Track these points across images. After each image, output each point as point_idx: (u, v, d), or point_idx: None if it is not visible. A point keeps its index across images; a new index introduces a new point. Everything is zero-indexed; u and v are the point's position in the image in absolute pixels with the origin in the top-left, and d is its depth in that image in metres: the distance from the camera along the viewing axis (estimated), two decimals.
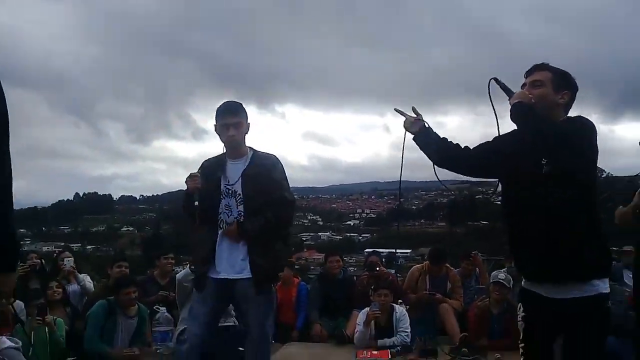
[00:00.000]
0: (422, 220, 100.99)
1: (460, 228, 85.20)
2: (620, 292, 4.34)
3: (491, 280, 5.24)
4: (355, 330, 5.28)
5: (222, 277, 3.30)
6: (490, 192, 2.50)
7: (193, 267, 3.74)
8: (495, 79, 2.47)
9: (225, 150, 3.40)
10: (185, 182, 3.34)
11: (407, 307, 5.95)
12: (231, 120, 3.28)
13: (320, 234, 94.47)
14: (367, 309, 5.32)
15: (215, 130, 3.36)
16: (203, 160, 3.52)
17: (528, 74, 2.48)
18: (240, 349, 4.88)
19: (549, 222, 2.27)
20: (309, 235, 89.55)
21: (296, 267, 25.10)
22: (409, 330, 5.26)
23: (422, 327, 5.55)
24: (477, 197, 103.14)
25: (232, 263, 3.29)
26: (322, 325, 5.82)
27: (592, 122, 2.34)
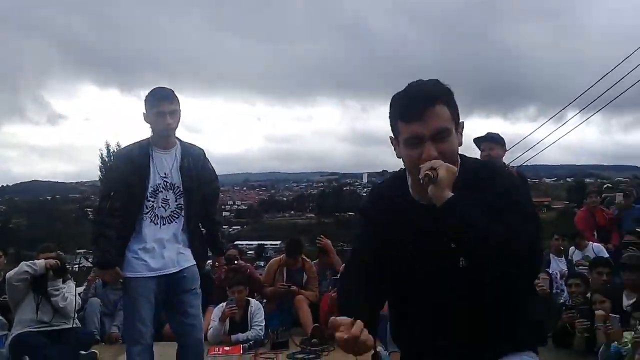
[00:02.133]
0: (292, 212, 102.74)
1: (329, 219, 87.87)
2: None
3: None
4: (210, 327, 5.18)
5: (160, 273, 3.12)
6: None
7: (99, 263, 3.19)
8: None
9: (152, 139, 3.18)
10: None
11: (264, 300, 6.00)
12: (168, 107, 3.08)
13: None
14: (222, 304, 5.25)
15: (145, 118, 3.16)
16: (118, 150, 3.47)
17: (418, 116, 1.58)
18: (82, 352, 4.60)
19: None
20: None
21: None
22: (263, 324, 5.28)
23: (278, 320, 5.62)
24: (344, 188, 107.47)
25: (171, 256, 3.15)
26: None
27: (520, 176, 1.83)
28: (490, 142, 4.48)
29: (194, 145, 3.34)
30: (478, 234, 1.49)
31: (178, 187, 3.15)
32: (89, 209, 54.60)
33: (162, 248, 3.12)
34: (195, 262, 3.24)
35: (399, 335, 1.87)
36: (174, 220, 3.16)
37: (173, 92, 3.18)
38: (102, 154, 27.97)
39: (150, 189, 3.09)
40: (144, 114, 3.17)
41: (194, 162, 3.23)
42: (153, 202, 3.10)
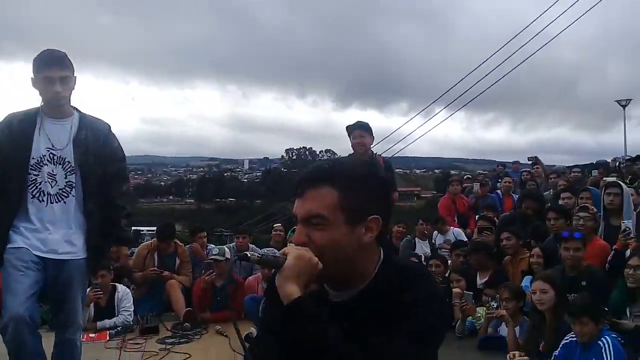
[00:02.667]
0: (171, 197, 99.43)
1: (209, 205, 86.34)
2: None
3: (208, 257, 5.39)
4: None
5: (44, 256, 2.77)
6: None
7: None
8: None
9: (42, 108, 2.83)
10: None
11: (134, 286, 5.76)
12: (57, 73, 2.74)
13: None
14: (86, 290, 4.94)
15: (33, 84, 2.80)
16: (9, 114, 2.86)
17: (301, 192, 1.31)
18: None
19: None
20: None
21: None
22: (131, 309, 5.08)
23: (148, 305, 5.43)
24: (225, 174, 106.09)
25: (56, 241, 2.78)
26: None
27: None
28: (361, 129, 4.70)
29: (99, 119, 2.99)
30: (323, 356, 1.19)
31: (69, 162, 2.80)
32: None
33: (46, 230, 2.77)
34: (85, 256, 2.85)
35: None
36: (63, 199, 2.80)
37: (66, 56, 2.81)
38: None
39: (32, 161, 2.74)
40: (32, 78, 2.81)
41: (94, 136, 2.86)
42: (36, 175, 2.75)
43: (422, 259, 5.96)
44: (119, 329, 4.80)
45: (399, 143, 15.02)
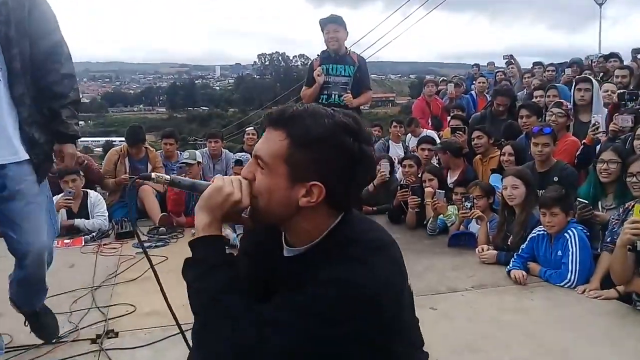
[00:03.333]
0: (142, 106, 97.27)
1: (181, 113, 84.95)
2: None
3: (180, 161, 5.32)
4: None
5: None
6: None
7: None
8: None
9: None
10: None
11: (106, 192, 5.71)
12: None
13: None
14: (57, 196, 4.87)
15: None
16: None
17: (264, 128, 1.27)
18: None
19: None
20: None
21: None
22: (106, 214, 5.06)
23: (122, 211, 5.41)
24: (196, 81, 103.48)
25: None
26: None
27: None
28: (335, 24, 4.52)
29: None
30: (195, 300, 1.19)
31: None
32: None
33: None
34: (26, 157, 2.23)
35: None
36: None
37: None
38: None
39: None
40: None
41: (14, 2, 2.18)
42: None
43: (396, 161, 6.00)
44: (94, 234, 4.80)
45: (372, 46, 14.67)
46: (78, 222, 4.89)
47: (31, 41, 2.22)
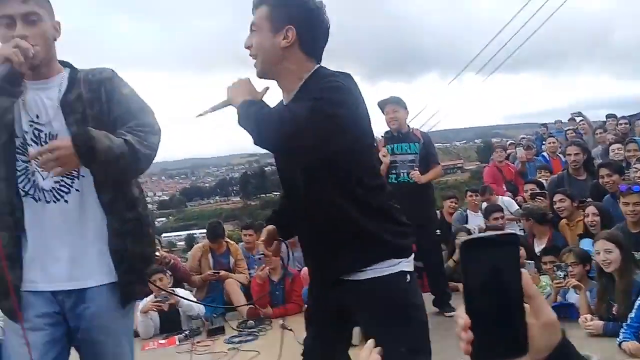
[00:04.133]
0: (217, 197, 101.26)
1: (255, 201, 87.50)
2: None
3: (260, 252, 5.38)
4: (137, 323, 5.04)
5: (51, 289, 1.85)
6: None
7: None
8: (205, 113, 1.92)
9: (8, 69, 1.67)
10: None
11: (194, 289, 5.90)
12: (18, 8, 1.73)
13: None
14: (147, 298, 5.09)
15: None
16: None
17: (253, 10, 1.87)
18: None
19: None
20: None
21: None
22: (194, 312, 5.20)
23: (211, 307, 5.55)
24: (266, 168, 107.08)
25: (67, 261, 1.84)
26: None
27: (343, 80, 1.76)
28: (393, 104, 4.65)
29: (97, 67, 1.96)
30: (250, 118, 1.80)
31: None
32: None
33: (48, 246, 1.84)
34: (114, 280, 1.89)
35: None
36: (62, 196, 1.84)
37: None
38: None
39: (17, 141, 1.83)
40: None
41: (92, 91, 1.87)
42: (26, 162, 1.83)
43: (476, 231, 5.86)
44: (186, 333, 4.92)
45: (434, 116, 14.78)
46: (182, 302, 5.03)
47: (125, 120, 1.88)
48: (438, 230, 5.17)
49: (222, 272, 5.71)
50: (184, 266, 6.09)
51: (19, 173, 1.82)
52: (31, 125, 1.83)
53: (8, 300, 1.76)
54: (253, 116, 1.74)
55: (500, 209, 5.64)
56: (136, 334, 5.00)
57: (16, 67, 1.64)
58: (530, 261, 4.47)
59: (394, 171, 4.65)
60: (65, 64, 1.93)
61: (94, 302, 1.85)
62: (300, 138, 1.67)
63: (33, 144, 1.82)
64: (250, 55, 1.86)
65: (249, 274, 5.81)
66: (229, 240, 6.14)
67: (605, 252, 3.59)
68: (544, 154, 8.40)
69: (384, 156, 4.62)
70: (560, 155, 8.00)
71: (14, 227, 1.81)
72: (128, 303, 1.95)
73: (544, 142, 9.11)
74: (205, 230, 6.22)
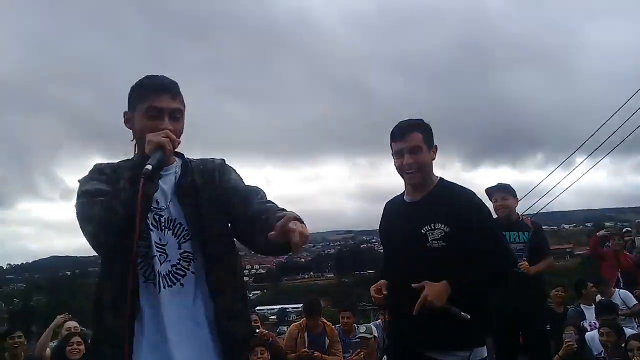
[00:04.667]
0: (312, 273, 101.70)
1: (349, 278, 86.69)
2: None
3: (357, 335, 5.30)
4: None
5: None
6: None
7: None
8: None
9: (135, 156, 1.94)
10: (149, 137, 1.80)
11: None
12: (168, 104, 1.88)
13: None
14: None
15: (126, 121, 1.96)
16: (98, 163, 1.99)
17: (401, 137, 2.62)
18: None
19: None
20: None
21: None
22: None
23: None
24: (361, 246, 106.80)
25: (175, 344, 1.81)
26: None
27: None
28: (503, 191, 4.55)
29: (208, 157, 2.08)
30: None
31: (180, 224, 1.91)
32: None
33: (164, 329, 1.82)
34: None
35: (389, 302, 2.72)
36: (177, 279, 1.87)
37: (175, 83, 1.95)
38: None
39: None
40: (125, 114, 1.97)
41: (204, 177, 1.98)
42: (146, 248, 1.86)
43: (589, 328, 5.41)
44: None
45: (542, 198, 14.15)
46: None
47: (228, 215, 1.94)
48: (547, 325, 4.85)
49: (317, 353, 5.66)
50: (280, 344, 6.12)
51: (139, 259, 1.84)
52: (152, 211, 1.87)
53: None
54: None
55: (615, 310, 5.20)
56: None
57: (167, 154, 1.78)
58: None
59: None
60: (177, 154, 2.00)
61: None
62: None
63: (154, 229, 1.88)
64: (411, 170, 2.60)
65: (344, 357, 5.71)
66: (325, 320, 6.11)
67: None
68: None
69: None
70: None
71: (132, 314, 1.80)
72: None
73: None
74: (297, 306, 6.25)
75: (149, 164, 1.69)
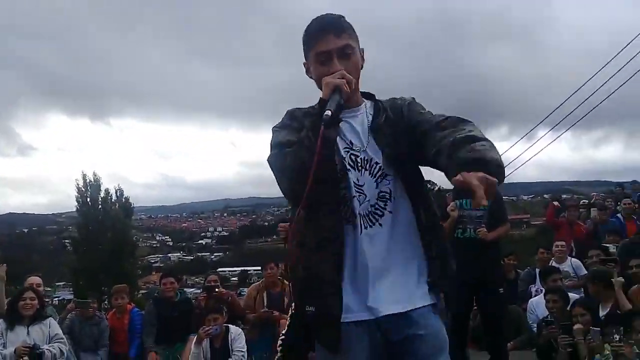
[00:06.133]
0: (275, 237, 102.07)
1: None
2: None
3: None
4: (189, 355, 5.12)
5: (371, 317, 1.79)
6: None
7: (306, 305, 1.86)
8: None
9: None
10: (325, 81, 1.74)
11: (247, 327, 5.92)
12: (334, 43, 1.81)
13: (170, 255, 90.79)
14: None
15: (307, 71, 1.93)
16: (291, 109, 1.98)
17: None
18: None
19: None
20: (157, 257, 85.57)
21: (143, 291, 23.49)
22: (244, 350, 5.20)
23: (262, 346, 5.55)
24: None
25: (393, 284, 1.80)
26: (157, 353, 5.53)
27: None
28: None
29: (397, 97, 1.99)
30: None
31: (377, 164, 1.85)
32: (66, 240, 53.44)
33: (365, 270, 1.80)
34: (433, 302, 1.83)
35: None
36: (377, 219, 1.84)
37: (342, 18, 1.87)
38: (78, 185, 26.99)
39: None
40: (304, 64, 1.94)
41: (395, 115, 1.90)
42: (344, 189, 1.84)
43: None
44: None
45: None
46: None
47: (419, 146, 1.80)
48: (501, 289, 5.01)
49: (276, 313, 5.73)
50: (239, 303, 6.16)
51: (340, 200, 1.84)
52: (347, 152, 1.87)
53: (330, 331, 1.78)
54: None
55: (558, 271, 5.41)
56: None
57: (344, 96, 1.72)
58: (596, 329, 4.22)
59: (460, 226, 4.58)
60: (365, 96, 1.98)
61: (418, 325, 1.77)
62: None
63: (351, 169, 1.85)
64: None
65: None
66: (284, 280, 6.15)
67: None
68: (619, 215, 8.01)
69: (452, 210, 4.57)
70: (634, 217, 7.61)
71: (338, 255, 1.80)
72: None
73: (619, 203, 8.68)
74: (258, 268, 6.30)
75: (327, 109, 1.65)
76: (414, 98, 1.97)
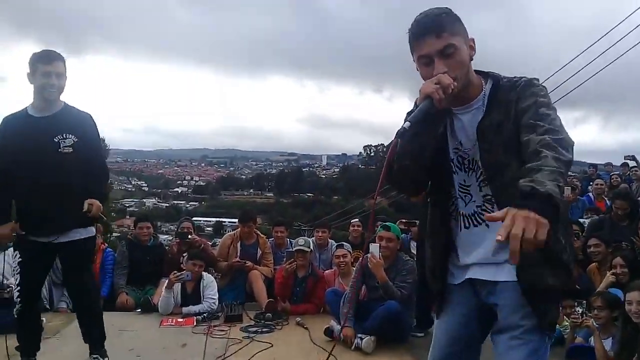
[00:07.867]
0: (251, 190, 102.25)
1: (287, 199, 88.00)
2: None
3: (293, 248, 5.46)
4: (158, 299, 5.20)
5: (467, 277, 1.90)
6: None
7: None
8: None
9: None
10: (421, 88, 1.72)
11: (219, 274, 6.01)
12: (434, 46, 1.73)
13: (145, 200, 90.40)
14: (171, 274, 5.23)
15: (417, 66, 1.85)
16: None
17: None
18: None
19: None
20: (132, 201, 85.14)
21: (116, 234, 23.39)
22: (216, 297, 5.30)
23: (232, 294, 5.65)
24: (303, 169, 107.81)
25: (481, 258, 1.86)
26: (127, 293, 5.59)
27: None
28: None
29: (514, 81, 1.84)
30: None
31: (479, 167, 1.87)
32: None
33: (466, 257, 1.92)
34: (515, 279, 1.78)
35: None
36: (484, 221, 1.87)
37: (439, 16, 1.76)
38: None
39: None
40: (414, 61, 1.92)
41: (504, 116, 1.80)
42: (451, 189, 1.96)
43: None
44: (205, 315, 5.03)
45: None
46: (186, 310, 5.15)
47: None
48: None
49: (249, 263, 5.81)
50: (212, 251, 6.22)
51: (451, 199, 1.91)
52: (456, 152, 1.85)
53: (436, 283, 1.97)
54: None
55: None
56: (155, 309, 5.17)
57: (436, 104, 1.66)
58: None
59: None
60: (483, 75, 1.86)
61: (502, 295, 1.81)
62: None
63: (458, 170, 1.86)
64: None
65: (274, 269, 5.88)
66: (258, 232, 6.23)
67: (638, 304, 3.51)
68: (590, 194, 8.21)
69: None
70: (605, 198, 7.81)
71: (444, 246, 1.92)
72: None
73: (591, 183, 8.88)
74: (234, 220, 6.36)
75: (408, 120, 1.64)
76: (530, 80, 1.81)
